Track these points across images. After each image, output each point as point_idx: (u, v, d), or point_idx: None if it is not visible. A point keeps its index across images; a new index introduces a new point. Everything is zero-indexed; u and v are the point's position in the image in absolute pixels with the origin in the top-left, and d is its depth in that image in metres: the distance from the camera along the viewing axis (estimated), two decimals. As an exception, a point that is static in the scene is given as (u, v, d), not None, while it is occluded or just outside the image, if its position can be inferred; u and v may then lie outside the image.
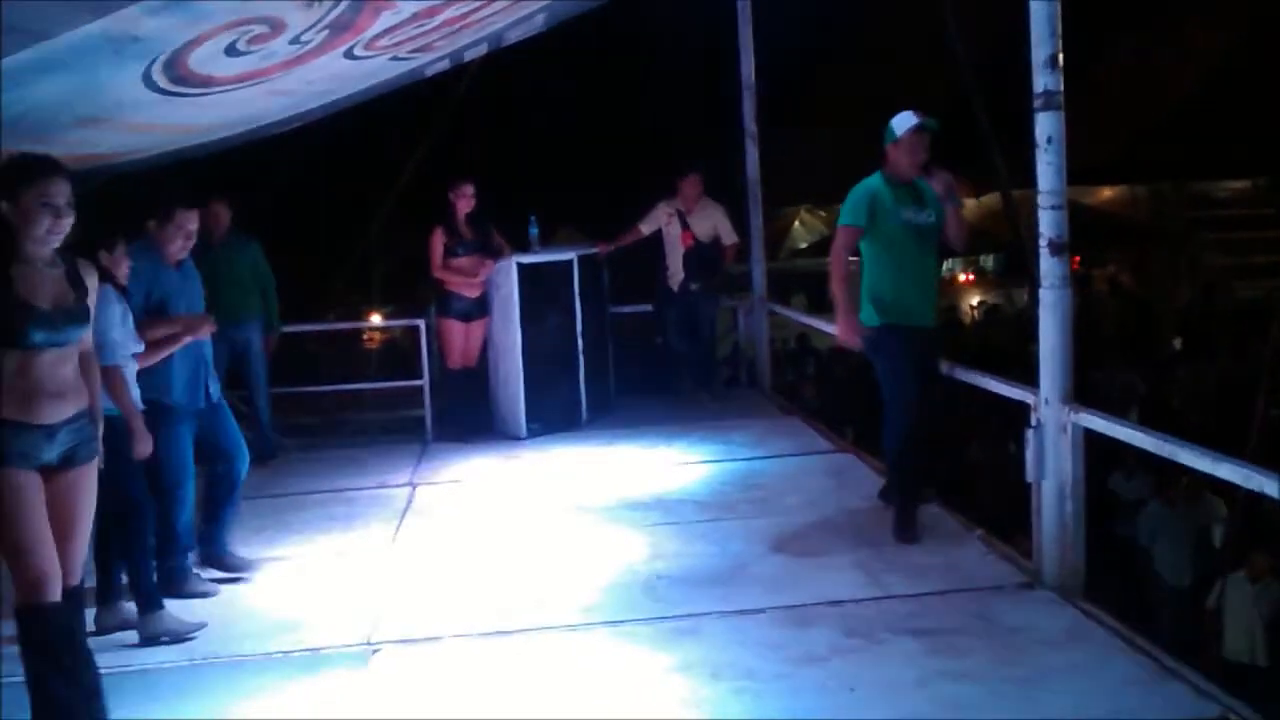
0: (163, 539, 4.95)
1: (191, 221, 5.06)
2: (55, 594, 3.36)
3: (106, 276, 4.39)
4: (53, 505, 3.39)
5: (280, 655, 4.36)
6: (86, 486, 3.53)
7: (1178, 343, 15.44)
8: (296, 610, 4.80)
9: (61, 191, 3.35)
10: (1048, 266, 4.51)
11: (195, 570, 5.16)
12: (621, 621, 4.50)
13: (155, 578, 4.68)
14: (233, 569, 5.26)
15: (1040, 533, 4.62)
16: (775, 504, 5.98)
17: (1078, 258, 20.79)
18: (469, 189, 7.75)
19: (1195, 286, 18.93)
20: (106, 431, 4.16)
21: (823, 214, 26.47)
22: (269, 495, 6.57)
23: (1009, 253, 19.62)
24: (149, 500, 4.67)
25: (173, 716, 3.90)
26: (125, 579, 4.65)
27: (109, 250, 4.52)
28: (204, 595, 5.01)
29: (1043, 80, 4.44)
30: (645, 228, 8.66)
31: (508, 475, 6.96)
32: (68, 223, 3.38)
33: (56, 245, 3.40)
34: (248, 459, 5.36)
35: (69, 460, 3.47)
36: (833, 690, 3.81)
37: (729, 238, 8.77)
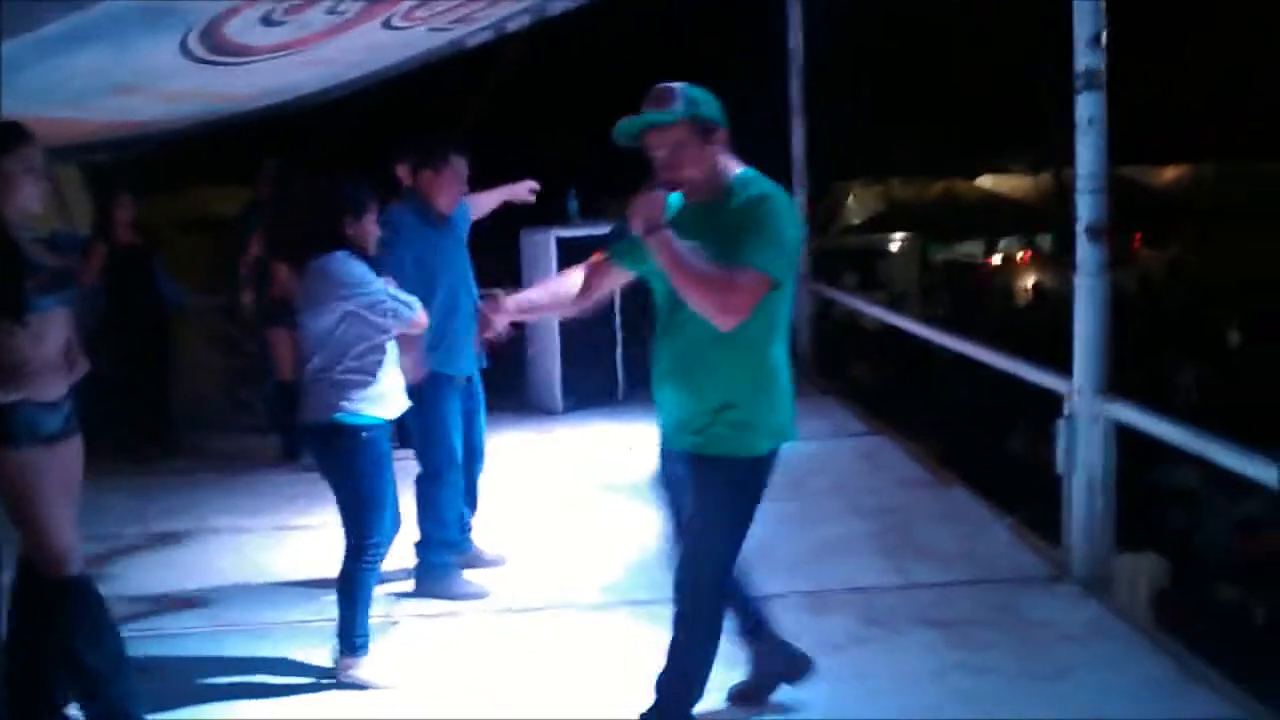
0: (427, 530, 4.64)
1: (465, 167, 4.67)
2: (80, 566, 3.37)
3: (350, 245, 3.89)
4: (61, 476, 3.36)
5: (301, 624, 4.40)
6: (81, 454, 3.47)
7: (1235, 336, 15.05)
8: (319, 580, 4.84)
9: (39, 155, 3.29)
10: (1085, 253, 4.39)
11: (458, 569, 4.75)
12: (643, 602, 4.47)
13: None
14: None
15: (1069, 525, 4.53)
16: (804, 486, 5.91)
17: (1139, 235, 20.44)
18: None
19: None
20: (341, 443, 3.86)
21: (878, 189, 26.20)
22: (303, 465, 6.62)
23: (1060, 233, 19.30)
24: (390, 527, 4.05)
25: (195, 681, 3.96)
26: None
27: (355, 216, 3.91)
28: (474, 597, 4.62)
29: (1084, 59, 4.32)
30: None
31: (539, 450, 6.96)
32: (45, 187, 3.32)
33: (37, 210, 3.32)
34: (483, 458, 4.98)
35: (70, 429, 3.41)
36: (847, 679, 3.77)
37: None
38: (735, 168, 3.07)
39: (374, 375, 3.87)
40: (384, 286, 3.88)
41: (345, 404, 3.83)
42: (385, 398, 3.92)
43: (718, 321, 2.89)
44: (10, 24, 3.80)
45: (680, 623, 3.19)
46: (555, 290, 3.41)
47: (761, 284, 2.88)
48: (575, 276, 3.32)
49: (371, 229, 3.96)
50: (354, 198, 3.93)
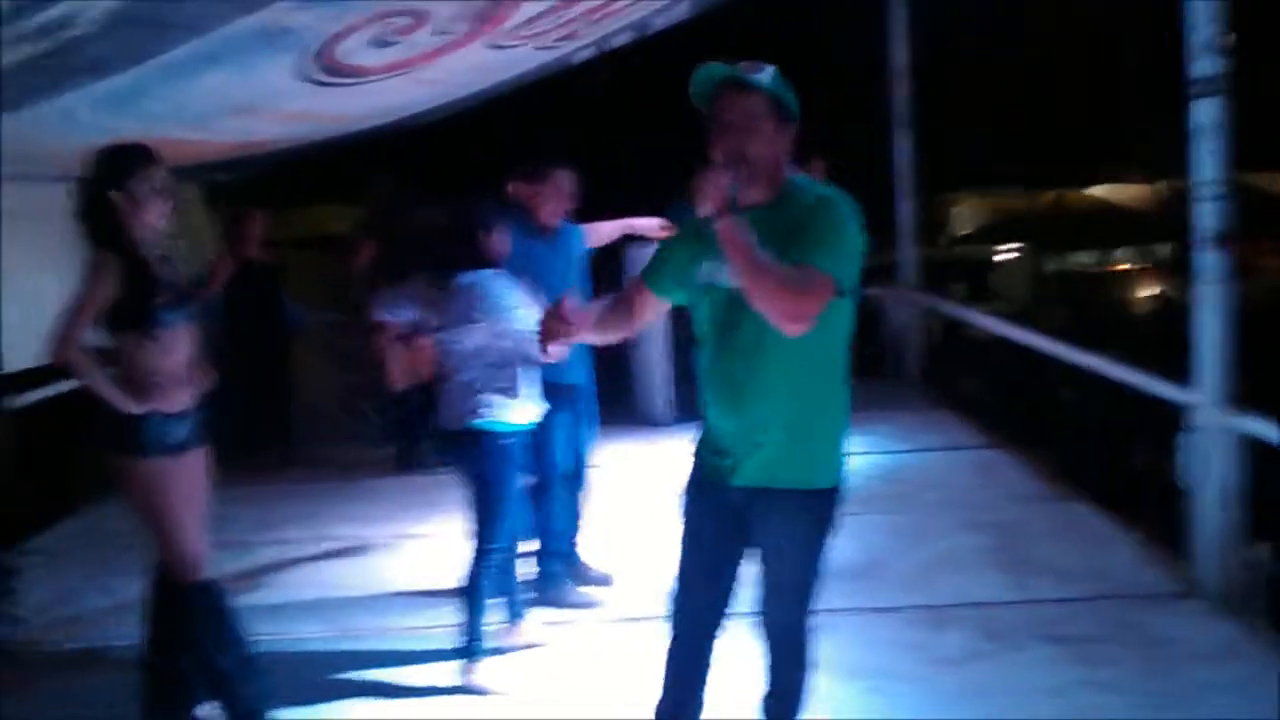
0: (537, 538, 4.66)
1: (569, 183, 4.74)
2: (207, 571, 3.51)
3: (486, 261, 3.99)
4: (188, 485, 3.49)
5: (418, 630, 4.46)
6: (207, 464, 3.61)
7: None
8: (437, 588, 4.88)
9: (165, 175, 3.43)
10: (1207, 261, 4.28)
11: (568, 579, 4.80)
12: (752, 614, 4.44)
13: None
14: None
15: (1196, 540, 4.38)
16: (917, 499, 5.82)
17: (1265, 245, 19.62)
18: None
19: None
20: (475, 448, 3.93)
21: (986, 199, 25.71)
22: (426, 467, 6.74)
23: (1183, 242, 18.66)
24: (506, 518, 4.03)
25: (315, 683, 4.04)
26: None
27: (487, 231, 4.00)
28: (586, 606, 4.67)
29: (1201, 64, 4.21)
30: None
31: (646, 462, 6.95)
32: (170, 207, 3.46)
33: (163, 229, 3.46)
34: (585, 469, 4.96)
35: (196, 439, 3.54)
36: (966, 695, 3.69)
37: None
38: (793, 172, 2.85)
39: (514, 386, 3.95)
40: (525, 313, 3.88)
41: (483, 410, 3.90)
42: (519, 405, 3.98)
43: (784, 325, 2.57)
44: (140, 50, 3.98)
45: (775, 656, 3.10)
46: (604, 324, 3.12)
47: (828, 289, 2.59)
48: (620, 307, 3.08)
49: (502, 245, 4.03)
50: (486, 214, 4.02)
